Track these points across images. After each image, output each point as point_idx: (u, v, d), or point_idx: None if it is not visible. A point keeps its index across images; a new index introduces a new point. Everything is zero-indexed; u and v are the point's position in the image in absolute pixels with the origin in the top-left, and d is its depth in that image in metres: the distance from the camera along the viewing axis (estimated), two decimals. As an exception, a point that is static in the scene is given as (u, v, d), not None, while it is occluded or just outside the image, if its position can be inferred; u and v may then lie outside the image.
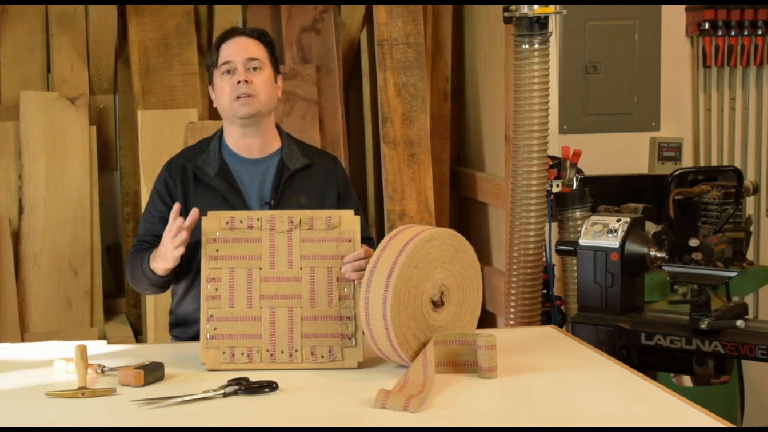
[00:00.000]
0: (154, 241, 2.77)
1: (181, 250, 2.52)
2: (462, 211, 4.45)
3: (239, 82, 2.72)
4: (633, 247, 2.83)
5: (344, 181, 2.93)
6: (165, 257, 2.57)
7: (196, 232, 2.53)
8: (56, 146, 3.99)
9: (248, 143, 2.82)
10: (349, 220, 2.51)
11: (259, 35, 2.81)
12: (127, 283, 4.15)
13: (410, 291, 2.31)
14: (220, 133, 2.87)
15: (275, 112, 2.89)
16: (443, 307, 2.39)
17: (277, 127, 2.90)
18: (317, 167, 2.88)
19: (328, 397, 2.21)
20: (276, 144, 2.86)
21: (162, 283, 2.72)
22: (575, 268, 3.25)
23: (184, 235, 2.50)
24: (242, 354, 2.40)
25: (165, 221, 2.76)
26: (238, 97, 2.73)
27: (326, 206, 2.82)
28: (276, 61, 2.83)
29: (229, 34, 2.80)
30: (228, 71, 2.75)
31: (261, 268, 2.46)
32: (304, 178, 2.84)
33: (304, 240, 2.48)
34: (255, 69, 2.75)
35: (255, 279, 2.46)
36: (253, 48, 2.77)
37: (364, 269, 2.39)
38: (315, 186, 2.85)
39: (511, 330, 3.26)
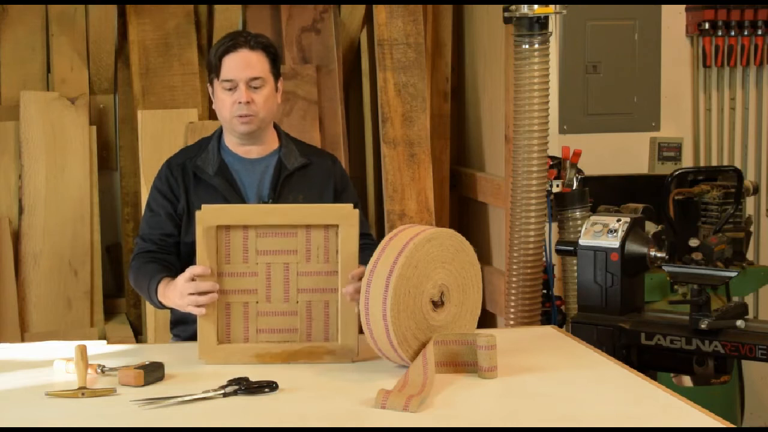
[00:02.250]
0: (161, 240, 2.77)
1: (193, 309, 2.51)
2: (462, 211, 4.45)
3: (240, 102, 2.72)
4: (633, 247, 2.83)
5: (342, 179, 2.94)
6: (174, 305, 2.57)
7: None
8: (56, 146, 3.99)
9: (247, 148, 2.84)
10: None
11: (263, 47, 2.76)
12: (128, 283, 4.18)
13: (410, 291, 2.31)
14: (219, 132, 2.87)
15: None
16: (443, 307, 2.39)
17: (276, 126, 2.90)
18: (315, 166, 2.88)
19: (328, 397, 2.21)
20: (274, 144, 2.87)
21: (169, 308, 2.73)
22: (575, 268, 3.25)
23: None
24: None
25: (171, 218, 2.79)
26: (238, 116, 2.74)
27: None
28: (278, 68, 2.81)
29: (233, 46, 2.74)
30: (230, 88, 2.74)
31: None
32: (302, 177, 2.85)
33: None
34: (256, 87, 2.73)
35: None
36: (256, 64, 2.74)
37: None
38: (313, 185, 2.85)
39: (511, 330, 3.26)
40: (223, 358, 2.44)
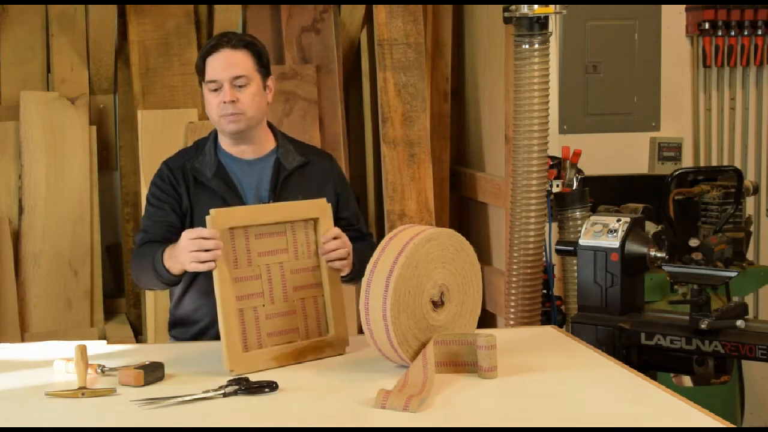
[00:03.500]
0: (166, 231, 2.72)
1: (209, 265, 2.43)
2: (462, 211, 4.45)
3: (225, 102, 2.71)
4: (633, 247, 2.83)
5: (341, 179, 2.94)
6: (182, 263, 2.49)
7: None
8: (56, 146, 3.99)
9: (241, 149, 2.83)
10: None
11: (245, 44, 2.75)
12: (128, 283, 4.18)
13: (410, 291, 2.31)
14: (215, 134, 2.86)
15: (274, 112, 2.89)
16: (443, 307, 2.39)
17: (271, 126, 2.89)
18: (313, 165, 2.88)
19: (328, 397, 2.21)
20: (271, 144, 2.86)
21: (174, 282, 2.67)
22: (575, 268, 3.25)
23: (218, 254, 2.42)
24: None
25: (176, 211, 2.76)
26: (224, 115, 2.73)
27: None
28: (266, 66, 2.79)
29: (214, 46, 2.73)
30: (215, 89, 2.73)
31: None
32: (300, 177, 2.84)
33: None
34: (241, 86, 2.72)
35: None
36: (239, 62, 2.72)
37: (341, 250, 2.53)
38: (312, 184, 2.85)
39: (511, 330, 3.26)
40: (249, 365, 2.39)
